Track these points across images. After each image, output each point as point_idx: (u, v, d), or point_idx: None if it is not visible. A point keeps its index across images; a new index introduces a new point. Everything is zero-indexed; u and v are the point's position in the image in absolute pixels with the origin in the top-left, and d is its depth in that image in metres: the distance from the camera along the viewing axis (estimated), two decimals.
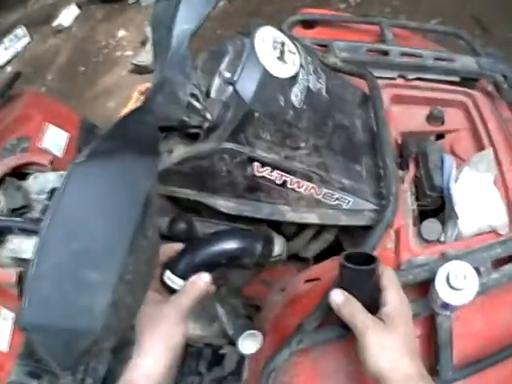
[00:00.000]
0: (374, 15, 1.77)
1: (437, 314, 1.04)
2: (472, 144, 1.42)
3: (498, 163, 1.31)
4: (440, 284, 0.97)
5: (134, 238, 0.68)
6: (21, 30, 6.27)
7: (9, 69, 5.96)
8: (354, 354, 0.92)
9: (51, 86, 5.10)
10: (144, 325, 0.92)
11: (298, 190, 1.09)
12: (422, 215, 1.29)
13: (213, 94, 1.03)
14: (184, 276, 0.98)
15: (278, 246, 1.14)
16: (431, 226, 1.21)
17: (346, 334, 0.98)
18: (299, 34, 1.64)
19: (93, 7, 6.24)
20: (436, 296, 0.98)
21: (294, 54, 1.08)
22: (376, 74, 1.46)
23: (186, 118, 1.01)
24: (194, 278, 0.97)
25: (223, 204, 1.10)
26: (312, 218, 1.14)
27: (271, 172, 1.05)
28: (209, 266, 0.99)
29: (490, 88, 1.57)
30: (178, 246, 1.04)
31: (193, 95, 1.01)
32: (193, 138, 1.03)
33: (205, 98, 1.02)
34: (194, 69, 1.09)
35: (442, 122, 1.45)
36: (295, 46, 1.11)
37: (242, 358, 1.41)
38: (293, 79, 1.04)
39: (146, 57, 4.43)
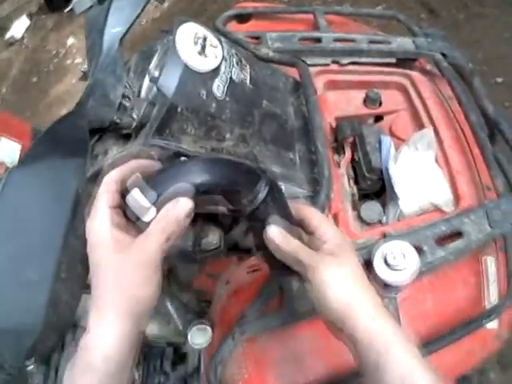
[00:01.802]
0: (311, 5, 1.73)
1: (382, 296, 1.03)
2: (412, 124, 1.42)
3: (440, 141, 1.32)
4: (378, 264, 0.96)
5: (66, 237, 0.71)
6: None
7: None
8: (300, 338, 0.92)
9: (6, 99, 5.18)
10: (101, 282, 0.69)
11: None
12: (365, 198, 1.28)
13: (143, 94, 1.02)
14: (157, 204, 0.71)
15: (215, 237, 1.13)
16: (371, 208, 1.21)
17: (288, 320, 1.00)
18: (234, 29, 1.63)
19: (43, 17, 6.30)
20: (376, 277, 0.97)
21: (216, 47, 1.06)
22: (310, 61, 1.46)
23: (117, 119, 1.00)
24: (169, 205, 0.70)
25: None
26: None
27: None
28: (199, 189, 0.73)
29: (430, 67, 1.59)
30: (150, 163, 0.81)
31: (124, 96, 1.01)
32: (127, 138, 1.02)
33: (135, 98, 1.01)
34: (127, 70, 1.08)
35: (380, 104, 1.44)
36: (218, 39, 1.09)
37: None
38: (214, 72, 1.02)
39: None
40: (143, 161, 0.79)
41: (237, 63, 1.09)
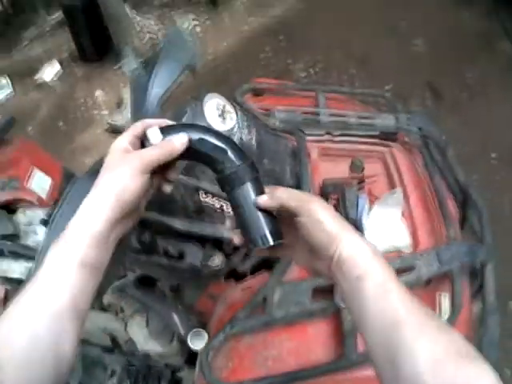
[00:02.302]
0: (312, 84, 2.08)
1: (342, 308, 1.34)
2: (387, 186, 1.74)
3: (407, 198, 1.64)
4: None
5: None
6: (4, 79, 6.40)
7: None
8: (277, 339, 1.22)
9: (31, 138, 5.15)
10: (102, 172, 0.86)
11: (232, 214, 1.33)
12: None
13: None
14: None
15: (219, 259, 1.45)
16: None
17: (269, 322, 1.29)
18: (250, 100, 1.99)
19: (73, 65, 6.46)
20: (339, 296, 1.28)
21: (232, 113, 1.41)
22: (308, 131, 1.80)
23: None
24: (170, 137, 0.89)
25: (178, 223, 1.40)
26: None
27: (212, 198, 1.37)
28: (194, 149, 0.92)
29: (408, 139, 1.91)
30: (164, 121, 0.96)
31: None
32: None
33: None
34: None
35: (362, 170, 1.75)
36: (234, 108, 1.44)
37: None
38: (229, 131, 1.36)
39: (120, 117, 4.76)
40: (160, 119, 0.96)
41: (246, 127, 1.44)
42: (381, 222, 1.54)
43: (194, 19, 6.72)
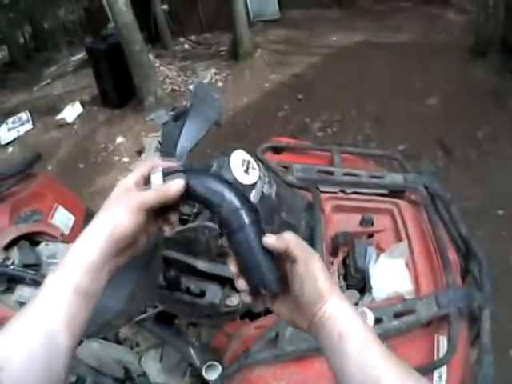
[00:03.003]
0: (328, 144, 2.26)
1: None
2: (394, 239, 1.89)
3: (411, 250, 1.79)
4: None
5: (148, 261, 1.13)
6: (25, 115, 6.64)
7: (10, 149, 6.24)
8: (287, 372, 1.38)
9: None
10: (104, 204, 0.93)
11: None
12: None
13: None
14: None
15: (236, 299, 1.60)
16: (351, 294, 1.68)
17: (280, 355, 1.41)
18: (270, 158, 2.17)
19: (95, 108, 6.63)
20: None
21: (255, 169, 1.57)
22: (323, 188, 1.99)
23: (181, 209, 1.49)
24: (169, 183, 0.93)
25: (201, 265, 1.55)
26: None
27: None
28: (192, 194, 0.95)
29: (415, 197, 2.09)
30: (171, 163, 1.02)
31: None
32: (184, 222, 1.52)
33: None
34: None
35: (372, 224, 1.91)
36: (257, 164, 1.61)
37: None
38: (253, 185, 1.52)
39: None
40: (168, 162, 1.01)
41: (268, 182, 1.60)
42: (386, 271, 1.69)
43: (215, 73, 6.94)
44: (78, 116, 6.71)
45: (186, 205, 1.53)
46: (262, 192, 1.56)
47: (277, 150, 2.27)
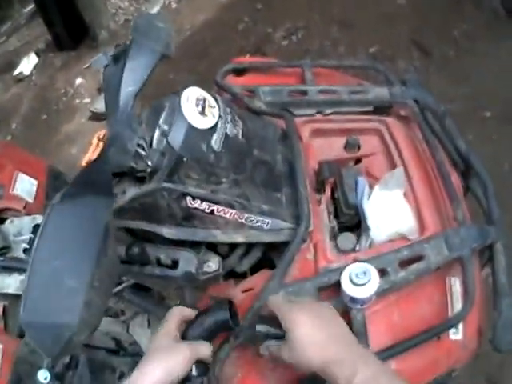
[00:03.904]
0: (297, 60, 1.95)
1: (350, 308, 1.25)
2: (386, 165, 1.63)
3: (409, 178, 1.53)
4: (345, 282, 1.19)
5: (99, 256, 0.95)
6: None
7: None
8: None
9: (16, 135, 5.26)
10: (152, 352, 1.02)
11: (224, 216, 1.30)
12: (345, 230, 1.50)
13: (154, 144, 1.26)
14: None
15: (215, 263, 1.38)
16: (346, 238, 1.44)
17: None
18: (231, 81, 1.86)
19: (51, 55, 6.40)
20: (344, 292, 1.19)
21: (214, 107, 1.30)
22: (297, 112, 1.69)
23: (133, 165, 1.24)
24: (200, 345, 1.09)
25: (167, 231, 1.31)
26: (239, 238, 1.36)
27: (201, 203, 1.26)
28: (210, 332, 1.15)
29: (404, 112, 1.80)
30: (188, 312, 1.17)
31: (139, 145, 1.25)
32: (141, 180, 1.27)
33: (148, 147, 1.25)
34: (140, 123, 1.31)
35: (359, 148, 1.65)
36: (216, 100, 1.34)
37: None
38: (212, 129, 1.27)
39: (102, 104, 4.65)
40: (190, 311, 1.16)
41: (231, 120, 1.34)
42: (383, 206, 1.43)
43: None
44: (35, 67, 6.41)
45: (139, 160, 1.25)
46: (226, 134, 1.30)
47: (239, 72, 1.95)
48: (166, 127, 1.26)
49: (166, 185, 1.22)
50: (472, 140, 3.11)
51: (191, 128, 1.24)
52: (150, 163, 1.24)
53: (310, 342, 0.92)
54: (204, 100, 1.30)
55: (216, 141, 1.27)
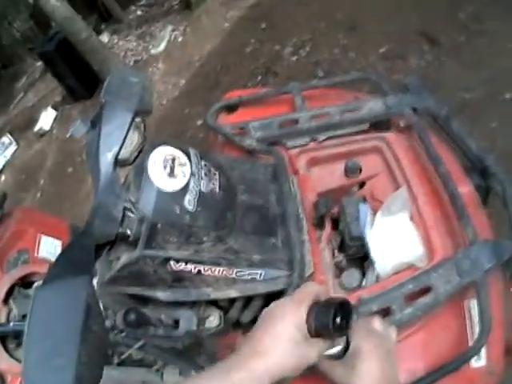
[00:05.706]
0: (286, 85, 1.86)
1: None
2: (390, 185, 1.52)
3: (414, 198, 1.42)
4: None
5: (82, 333, 0.92)
6: (7, 138, 6.64)
7: (2, 178, 6.34)
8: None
9: (45, 190, 5.37)
10: (282, 341, 0.90)
11: (212, 274, 1.24)
12: (353, 263, 1.42)
13: (132, 211, 1.21)
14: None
15: (216, 318, 1.34)
16: (351, 275, 1.35)
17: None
18: (223, 120, 1.81)
19: (68, 106, 6.58)
20: None
21: (185, 165, 1.24)
22: (290, 143, 1.62)
23: (121, 230, 1.19)
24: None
25: (161, 294, 1.26)
26: (233, 293, 1.29)
27: (185, 265, 1.20)
28: None
29: (403, 123, 1.68)
30: (323, 296, 0.99)
31: (127, 209, 1.20)
32: (135, 244, 1.20)
33: (136, 208, 1.20)
34: (128, 185, 1.28)
35: (360, 171, 1.55)
36: (187, 156, 1.27)
37: None
38: (184, 189, 1.20)
39: (124, 150, 4.69)
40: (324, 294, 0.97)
41: (205, 174, 1.27)
42: (387, 234, 1.33)
43: (172, 29, 6.71)
44: (54, 120, 6.63)
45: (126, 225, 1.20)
46: (200, 191, 1.23)
47: (231, 109, 1.88)
48: (136, 194, 1.21)
49: (146, 252, 1.16)
50: (497, 126, 3.03)
51: (160, 192, 1.18)
52: (129, 232, 1.18)
53: (371, 378, 0.88)
54: (173, 159, 1.24)
55: (189, 201, 1.21)
